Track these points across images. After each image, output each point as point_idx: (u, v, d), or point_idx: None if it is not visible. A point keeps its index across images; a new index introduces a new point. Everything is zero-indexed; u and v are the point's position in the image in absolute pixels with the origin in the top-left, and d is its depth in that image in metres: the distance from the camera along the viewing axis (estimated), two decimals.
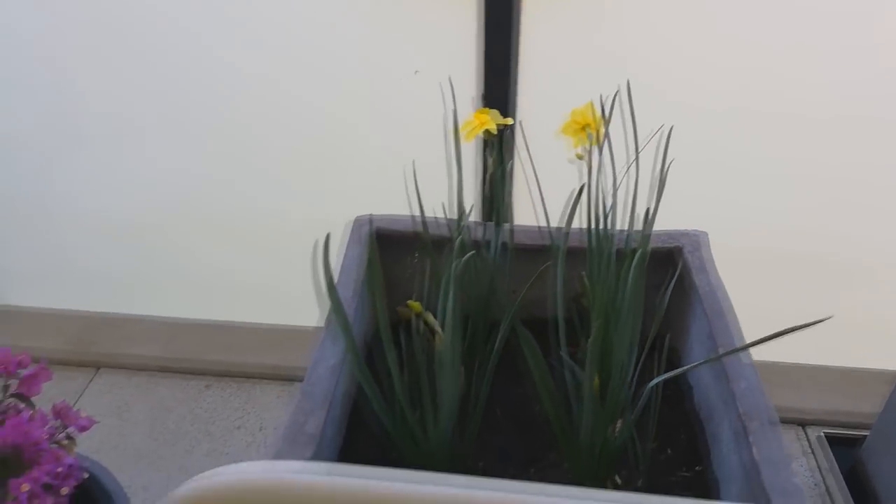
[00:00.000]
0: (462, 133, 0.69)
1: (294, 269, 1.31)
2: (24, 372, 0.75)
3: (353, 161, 1.21)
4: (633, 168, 0.72)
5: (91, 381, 1.32)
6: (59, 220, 1.37)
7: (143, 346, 1.36)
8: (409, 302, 0.65)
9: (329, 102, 1.14)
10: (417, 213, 0.79)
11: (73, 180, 1.31)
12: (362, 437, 0.72)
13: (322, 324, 1.23)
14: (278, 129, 1.21)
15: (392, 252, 0.82)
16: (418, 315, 0.65)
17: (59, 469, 0.69)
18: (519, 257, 0.78)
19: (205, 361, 1.34)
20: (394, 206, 0.87)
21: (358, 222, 0.85)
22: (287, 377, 1.34)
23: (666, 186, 0.72)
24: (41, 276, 1.44)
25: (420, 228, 0.80)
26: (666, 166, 0.72)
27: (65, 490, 0.69)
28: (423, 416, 0.65)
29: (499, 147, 0.73)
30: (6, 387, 0.75)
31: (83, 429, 0.77)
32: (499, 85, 0.99)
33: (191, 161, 1.27)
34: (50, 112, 1.25)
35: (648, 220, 0.69)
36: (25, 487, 0.65)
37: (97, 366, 1.34)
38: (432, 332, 0.65)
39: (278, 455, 0.56)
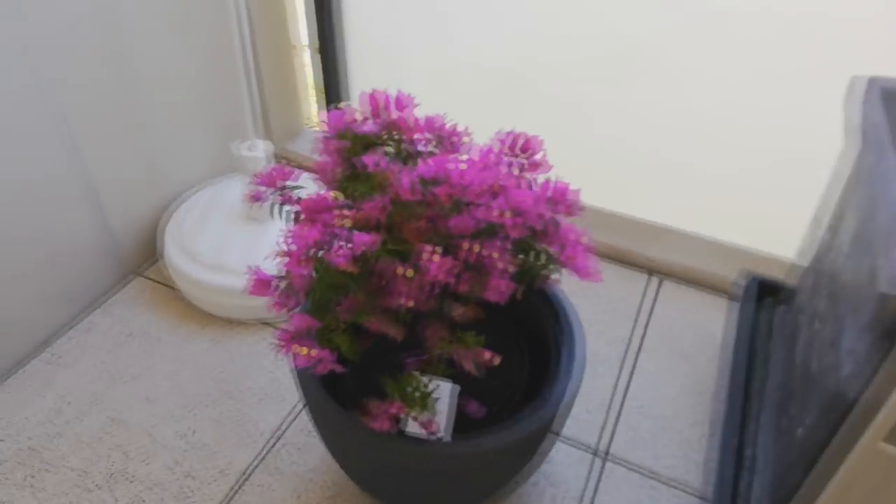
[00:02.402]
0: None
1: None
2: (536, 156, 0.80)
3: None
4: None
5: None
6: None
7: None
8: None
9: None
10: None
11: None
12: None
13: None
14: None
15: None
16: None
17: (585, 239, 0.73)
18: None
19: None
20: None
21: (863, 81, 0.82)
22: (617, 258, 1.35)
23: None
24: None
25: None
26: None
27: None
28: None
29: None
30: (521, 166, 0.81)
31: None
32: None
33: None
34: None
35: None
36: (582, 240, 0.70)
37: None
38: None
39: None
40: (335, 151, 0.71)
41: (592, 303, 1.28)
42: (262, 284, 0.64)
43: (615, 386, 1.13)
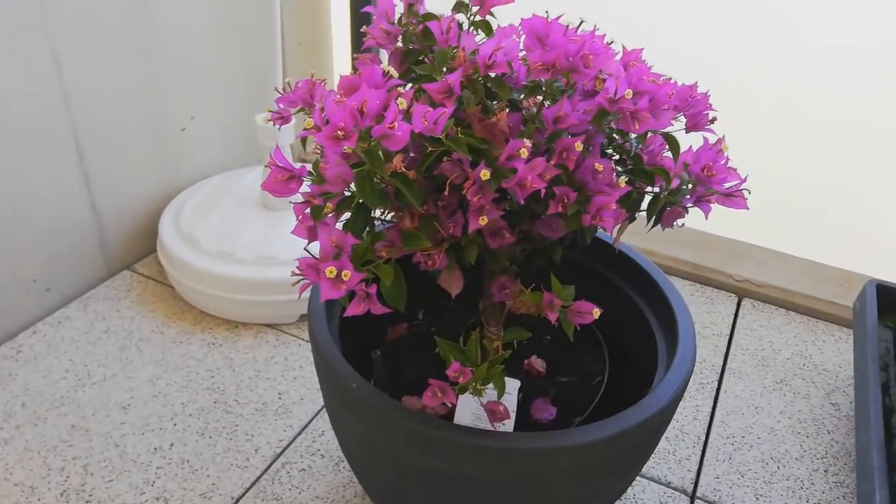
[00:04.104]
0: None
1: None
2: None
3: None
4: None
5: None
6: None
7: None
8: None
9: None
10: None
11: None
12: None
13: None
14: None
15: None
16: None
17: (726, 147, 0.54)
18: None
19: None
20: None
21: None
22: (699, 279, 1.16)
23: None
24: None
25: None
26: None
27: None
28: None
29: None
30: None
31: None
32: None
33: None
34: None
35: None
36: (721, 148, 0.51)
37: None
38: None
39: None
40: (388, 38, 0.54)
41: None
42: (282, 174, 0.45)
43: (696, 410, 0.92)
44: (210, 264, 0.99)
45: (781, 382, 0.98)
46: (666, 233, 1.24)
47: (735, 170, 0.51)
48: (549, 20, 0.48)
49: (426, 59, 0.53)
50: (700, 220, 1.35)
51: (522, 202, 0.47)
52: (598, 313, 0.50)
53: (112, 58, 1.00)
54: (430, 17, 0.54)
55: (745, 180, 0.50)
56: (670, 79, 0.54)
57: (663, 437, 0.88)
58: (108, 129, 1.03)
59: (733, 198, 0.50)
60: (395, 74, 0.49)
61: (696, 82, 0.54)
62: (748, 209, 0.50)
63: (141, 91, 1.06)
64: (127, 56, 1.02)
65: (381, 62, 0.57)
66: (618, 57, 0.56)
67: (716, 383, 0.97)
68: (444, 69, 0.50)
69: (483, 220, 0.47)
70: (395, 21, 0.57)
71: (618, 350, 0.73)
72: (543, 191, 0.48)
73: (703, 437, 0.89)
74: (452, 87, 0.48)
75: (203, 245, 1.02)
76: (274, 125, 0.64)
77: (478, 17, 0.53)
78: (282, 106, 0.62)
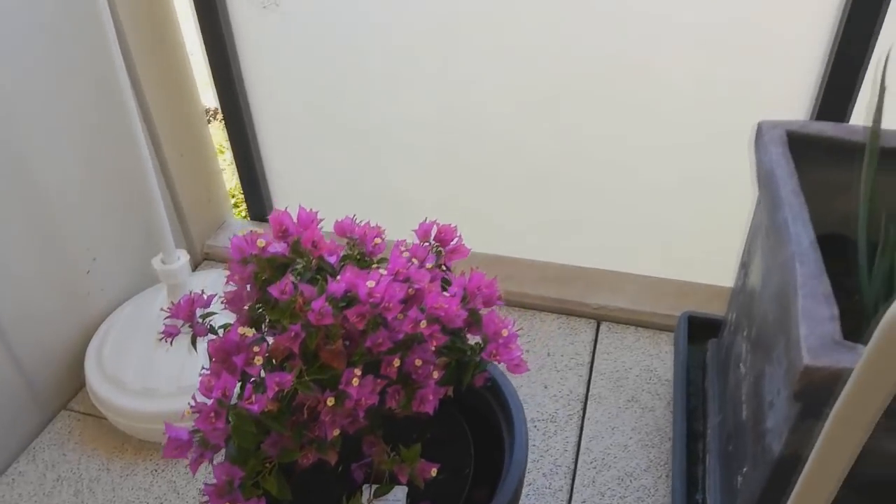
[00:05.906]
0: None
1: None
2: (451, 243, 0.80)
3: None
4: None
5: None
6: None
7: None
8: None
9: None
10: None
11: None
12: None
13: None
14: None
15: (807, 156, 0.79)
16: None
17: (505, 332, 0.73)
18: None
19: None
20: None
21: (766, 126, 0.85)
22: (564, 311, 1.37)
23: None
24: None
25: (835, 133, 0.80)
26: None
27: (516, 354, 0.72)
28: None
29: None
30: (439, 253, 0.81)
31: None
32: None
33: None
34: None
35: None
36: (504, 331, 0.69)
37: None
38: None
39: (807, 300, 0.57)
40: (244, 278, 0.70)
41: (539, 358, 1.28)
42: (177, 445, 0.61)
43: (566, 442, 1.13)
44: (138, 403, 1.13)
45: (632, 400, 1.20)
46: (535, 272, 1.44)
47: (517, 345, 0.69)
48: (357, 279, 0.64)
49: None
50: (566, 253, 1.52)
51: (363, 414, 0.64)
52: (436, 471, 0.68)
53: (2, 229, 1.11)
54: (273, 263, 0.70)
55: (523, 352, 0.69)
56: (463, 273, 0.72)
57: (541, 475, 1.09)
58: (14, 293, 1.14)
59: (519, 366, 0.69)
60: (249, 334, 0.64)
61: (485, 273, 0.72)
62: (529, 370, 0.69)
63: (40, 251, 1.17)
64: (16, 222, 1.12)
65: (247, 294, 0.72)
66: (433, 231, 0.73)
67: (581, 412, 1.19)
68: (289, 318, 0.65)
69: (336, 431, 0.64)
70: (249, 259, 0.72)
71: (493, 434, 0.91)
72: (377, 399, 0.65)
73: (573, 467, 1.10)
74: (297, 334, 0.64)
75: (128, 386, 1.15)
76: (164, 341, 0.79)
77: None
78: (172, 322, 0.76)
